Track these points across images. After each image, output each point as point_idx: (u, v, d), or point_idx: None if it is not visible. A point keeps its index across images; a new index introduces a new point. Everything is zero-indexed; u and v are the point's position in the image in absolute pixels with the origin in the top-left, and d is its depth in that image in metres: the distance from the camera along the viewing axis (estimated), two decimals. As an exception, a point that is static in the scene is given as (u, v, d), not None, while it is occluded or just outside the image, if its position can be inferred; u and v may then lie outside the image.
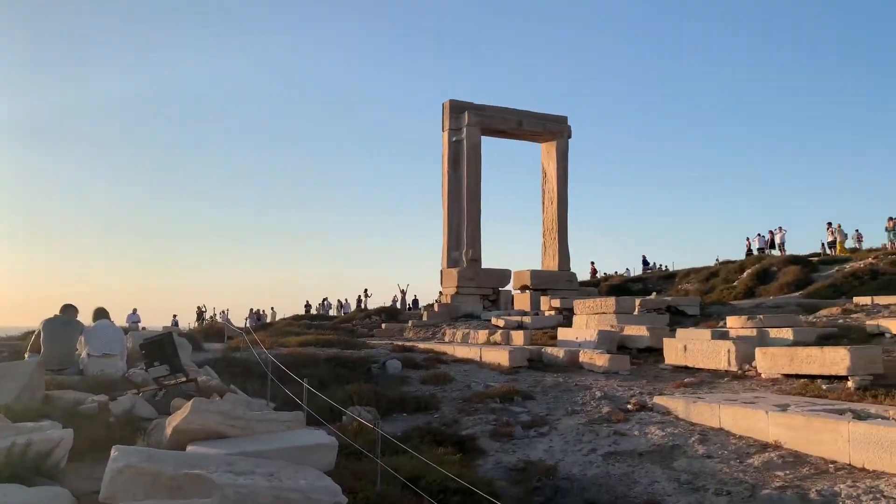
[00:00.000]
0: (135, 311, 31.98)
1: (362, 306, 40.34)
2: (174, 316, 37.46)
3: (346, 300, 43.43)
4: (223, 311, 41.34)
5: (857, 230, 32.74)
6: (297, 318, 34.77)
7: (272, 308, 43.88)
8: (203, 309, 41.97)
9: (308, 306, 44.46)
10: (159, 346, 6.72)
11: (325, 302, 44.87)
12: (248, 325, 31.89)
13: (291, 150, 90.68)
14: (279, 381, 10.46)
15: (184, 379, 6.74)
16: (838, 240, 31.76)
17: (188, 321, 39.27)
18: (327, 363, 13.63)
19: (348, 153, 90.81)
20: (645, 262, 41.84)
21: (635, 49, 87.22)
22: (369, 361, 14.43)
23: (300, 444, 4.99)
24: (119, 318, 30.40)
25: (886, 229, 30.35)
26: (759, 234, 34.79)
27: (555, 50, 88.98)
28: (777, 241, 34.04)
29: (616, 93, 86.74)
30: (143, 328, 26.99)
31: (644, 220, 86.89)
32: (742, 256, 34.64)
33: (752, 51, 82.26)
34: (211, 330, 22.18)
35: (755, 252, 33.89)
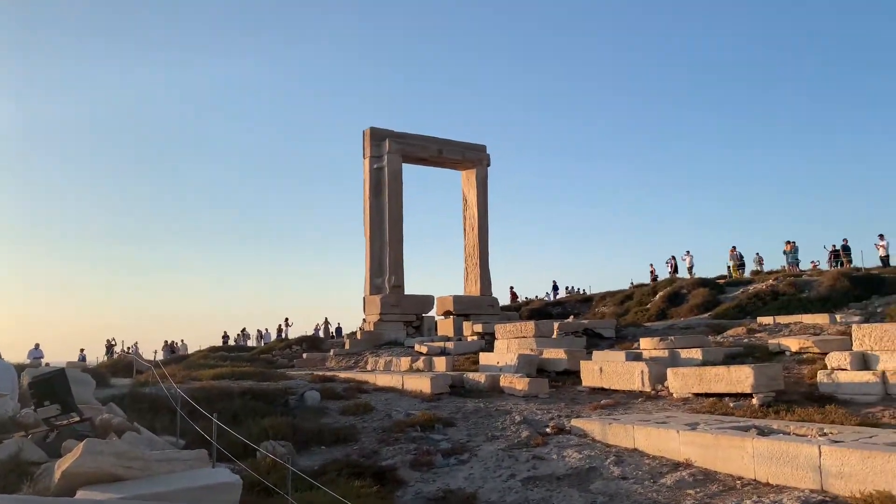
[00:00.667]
0: (37, 346, 30.04)
1: (283, 336, 39.38)
2: (81, 350, 35.42)
3: (266, 330, 42.31)
4: (132, 345, 39.47)
5: (757, 253, 34.44)
6: (213, 349, 33.59)
7: (182, 340, 42.40)
8: (112, 342, 39.93)
9: (226, 337, 43.07)
10: (49, 384, 6.23)
11: (244, 332, 43.56)
12: (160, 357, 30.49)
13: (205, 173, 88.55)
14: (190, 416, 9.96)
15: (77, 419, 6.26)
16: (733, 264, 33.38)
17: (97, 355, 37.21)
18: (242, 396, 13.10)
19: (265, 178, 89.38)
20: (555, 287, 42.76)
21: (554, 78, 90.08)
22: (287, 393, 13.98)
23: (202, 484, 4.70)
24: (20, 354, 28.49)
25: (784, 252, 32.05)
26: (672, 257, 36.06)
27: (477, 78, 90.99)
28: (686, 264, 35.36)
29: (534, 119, 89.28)
30: (47, 364, 25.31)
31: (561, 245, 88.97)
32: (648, 281, 35.85)
33: (657, 74, 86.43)
34: (119, 364, 21.03)
35: (658, 277, 35.05)
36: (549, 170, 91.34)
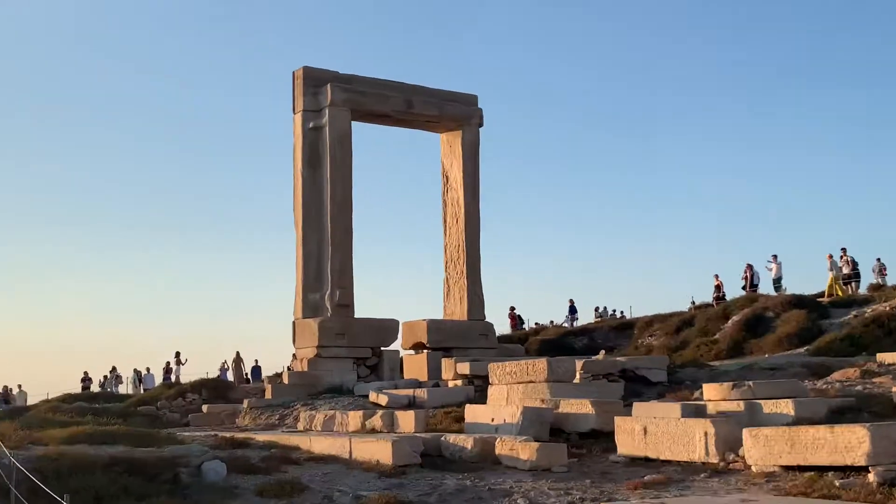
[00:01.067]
0: None
1: (172, 379, 39.14)
2: None
3: (148, 370, 41.99)
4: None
5: (878, 259, 34.75)
6: (67, 399, 33.29)
7: (19, 386, 41.98)
8: None
9: (87, 380, 42.77)
10: None
11: (114, 374, 43.25)
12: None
13: (54, 133, 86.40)
14: (30, 499, 9.89)
15: None
16: (839, 274, 33.73)
17: None
18: (109, 470, 12.99)
19: (146, 142, 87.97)
20: (572, 309, 43.13)
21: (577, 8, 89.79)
22: (176, 464, 13.88)
23: None
24: None
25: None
26: (748, 266, 36.32)
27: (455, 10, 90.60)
28: (772, 275, 35.62)
29: (544, 62, 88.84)
30: None
31: (585, 246, 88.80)
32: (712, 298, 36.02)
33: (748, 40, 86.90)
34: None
35: (726, 295, 35.20)
36: (567, 135, 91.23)
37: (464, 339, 29.42)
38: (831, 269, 33.86)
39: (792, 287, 35.58)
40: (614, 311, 45.21)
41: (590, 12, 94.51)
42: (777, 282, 35.15)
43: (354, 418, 19.77)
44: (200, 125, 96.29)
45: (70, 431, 17.09)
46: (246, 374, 39.46)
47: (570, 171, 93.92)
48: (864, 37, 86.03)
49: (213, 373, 40.23)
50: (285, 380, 27.93)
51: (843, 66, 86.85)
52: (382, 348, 29.09)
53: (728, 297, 35.64)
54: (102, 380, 43.37)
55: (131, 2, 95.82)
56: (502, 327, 41.36)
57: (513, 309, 43.43)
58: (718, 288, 37.96)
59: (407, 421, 18.22)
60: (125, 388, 42.40)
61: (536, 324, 43.46)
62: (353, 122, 29.75)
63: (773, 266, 35.55)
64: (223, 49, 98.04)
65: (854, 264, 33.62)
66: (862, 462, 10.60)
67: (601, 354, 25.59)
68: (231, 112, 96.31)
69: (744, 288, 35.67)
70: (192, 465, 14.06)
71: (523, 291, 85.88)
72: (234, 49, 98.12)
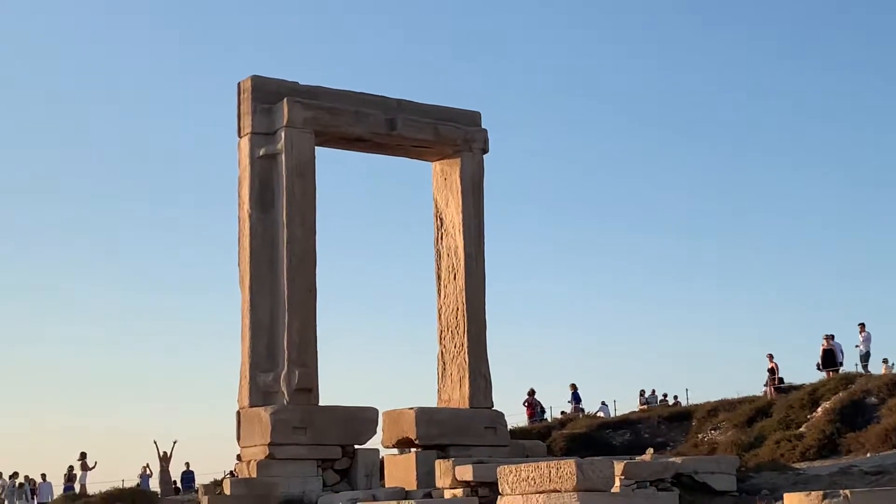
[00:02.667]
0: None
1: (76, 488, 38.91)
2: None
3: (44, 477, 41.71)
4: None
5: None
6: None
7: None
8: None
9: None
10: None
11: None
12: None
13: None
14: None
15: None
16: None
17: None
18: None
19: (52, 173, 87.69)
20: (576, 397, 43.11)
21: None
22: None
23: None
24: None
25: None
26: (828, 337, 36.51)
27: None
28: (861, 348, 35.76)
29: (556, 77, 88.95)
30: None
31: (627, 313, 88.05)
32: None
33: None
34: None
35: (784, 378, 35.48)
36: (598, 161, 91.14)
37: (465, 433, 29.20)
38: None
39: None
40: (665, 396, 45.22)
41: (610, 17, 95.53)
42: (864, 358, 35.30)
43: (318, 542, 19.53)
44: (120, 151, 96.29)
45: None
46: (174, 483, 39.28)
47: (603, 214, 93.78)
48: None
49: (131, 480, 40.00)
50: (227, 490, 27.64)
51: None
52: (356, 446, 28.84)
53: (786, 383, 36.01)
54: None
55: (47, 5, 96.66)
56: (517, 418, 41.34)
57: (531, 394, 43.39)
58: (773, 372, 38.43)
59: (388, 545, 18.00)
60: (11, 503, 42.03)
61: (563, 413, 43.38)
62: (317, 148, 29.80)
63: (861, 337, 35.78)
64: (156, 55, 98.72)
65: None
66: None
67: (648, 454, 25.51)
68: (159, 135, 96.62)
69: (819, 367, 35.90)
70: None
71: (543, 371, 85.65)
72: (169, 55, 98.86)
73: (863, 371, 34.25)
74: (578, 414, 41.84)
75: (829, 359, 35.85)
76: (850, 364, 35.88)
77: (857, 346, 36.30)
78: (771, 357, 39.07)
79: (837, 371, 34.76)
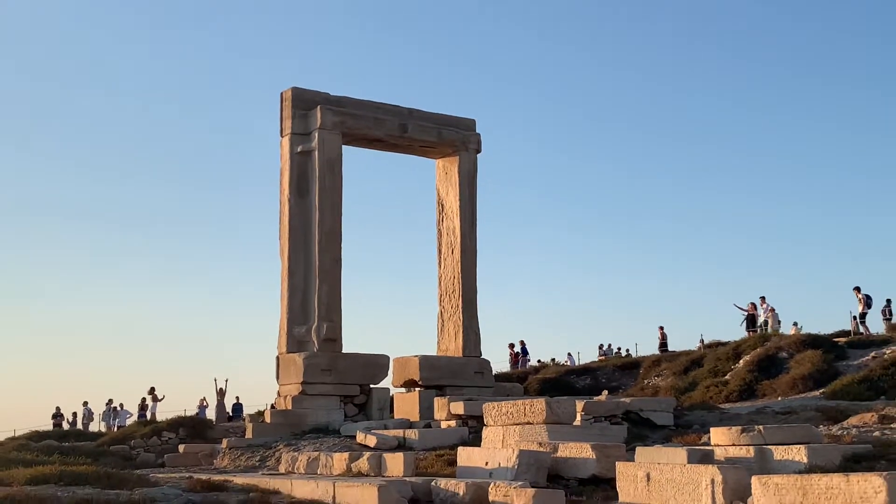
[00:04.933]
0: None
1: (147, 416, 38.96)
2: None
3: (121, 406, 41.82)
4: None
5: (888, 301, 34.81)
6: (34, 436, 33.08)
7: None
8: None
9: (58, 416, 42.58)
10: None
11: (86, 409, 43.05)
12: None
13: (23, 159, 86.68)
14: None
15: None
16: (770, 323, 34.75)
17: None
18: (75, 512, 12.92)
19: (120, 167, 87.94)
20: (524, 351, 43.11)
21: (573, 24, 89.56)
22: (148, 508, 13.80)
23: None
24: None
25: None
26: (752, 304, 36.54)
27: (452, 36, 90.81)
28: (760, 319, 35.84)
29: (538, 88, 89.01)
30: None
31: (590, 281, 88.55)
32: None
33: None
34: None
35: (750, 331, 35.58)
36: (570, 162, 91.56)
37: (458, 376, 29.33)
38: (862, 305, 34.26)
39: (808, 326, 35.77)
40: (619, 349, 45.25)
41: (595, 36, 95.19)
42: (764, 325, 35.38)
43: (339, 461, 19.63)
44: (184, 147, 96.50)
45: (36, 471, 17.00)
46: (227, 412, 39.34)
47: (573, 199, 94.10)
48: None
49: (192, 410, 40.09)
50: (267, 418, 27.82)
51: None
52: (371, 386, 28.99)
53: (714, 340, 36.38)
54: (72, 416, 43.13)
55: (116, 19, 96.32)
56: (501, 365, 41.42)
57: (514, 347, 43.41)
58: (663, 340, 40.17)
59: (395, 464, 18.10)
60: (97, 426, 42.15)
61: (539, 361, 43.45)
62: (343, 147, 29.81)
63: (762, 308, 35.81)
64: (210, 68, 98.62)
65: (868, 301, 33.70)
66: (879, 513, 10.52)
67: (604, 395, 25.62)
68: (217, 135, 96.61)
69: (745, 326, 35.99)
70: (164, 509, 13.96)
71: (523, 327, 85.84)
72: (221, 68, 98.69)
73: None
74: (523, 367, 41.57)
75: (752, 322, 35.95)
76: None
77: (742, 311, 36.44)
78: (662, 329, 41.21)
79: (756, 332, 34.87)
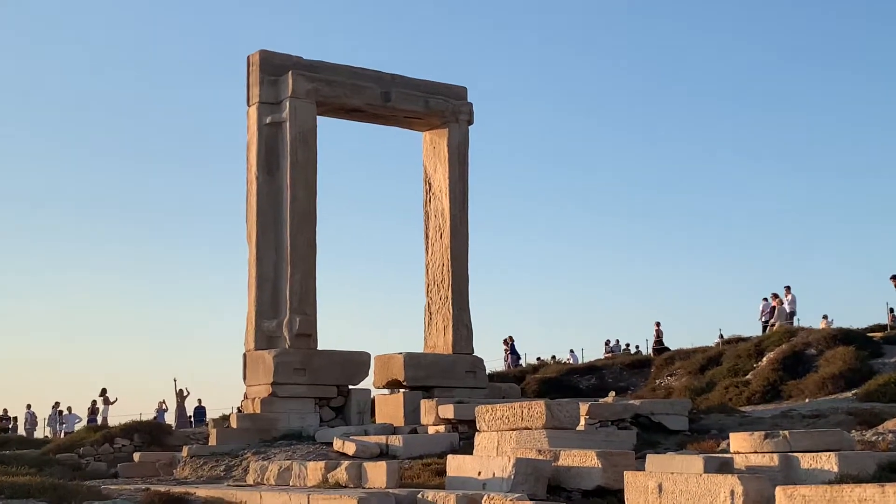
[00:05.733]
0: None
1: (98, 421, 38.97)
2: None
3: (69, 409, 41.83)
4: None
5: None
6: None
7: None
8: None
9: (5, 419, 42.72)
10: None
11: (29, 412, 43.08)
12: None
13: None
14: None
15: None
16: (771, 321, 35.17)
17: None
18: (17, 529, 12.93)
19: (71, 139, 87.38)
20: (512, 351, 43.17)
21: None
22: (99, 524, 13.83)
23: None
24: None
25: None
26: (766, 298, 36.72)
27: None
28: (787, 308, 35.97)
29: (538, 52, 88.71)
30: None
31: (596, 270, 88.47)
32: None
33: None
34: None
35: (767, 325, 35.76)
36: (575, 134, 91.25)
37: (448, 376, 29.35)
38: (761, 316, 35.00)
39: (839, 319, 35.91)
40: (627, 345, 45.39)
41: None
42: (790, 316, 35.54)
43: (314, 470, 19.62)
44: (139, 119, 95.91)
45: (-28, 483, 17.01)
46: (188, 416, 39.41)
47: (578, 178, 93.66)
48: None
49: (148, 414, 40.16)
50: (234, 423, 27.78)
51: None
52: (350, 386, 28.97)
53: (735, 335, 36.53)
54: (13, 421, 43.16)
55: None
56: (495, 363, 41.50)
57: (509, 341, 43.49)
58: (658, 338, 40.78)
59: (377, 474, 18.09)
60: (41, 431, 42.18)
61: (539, 359, 43.51)
62: (319, 118, 29.73)
63: (787, 299, 35.96)
64: (169, 29, 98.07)
65: None
66: (917, 528, 10.58)
67: (611, 396, 25.66)
68: (176, 104, 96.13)
69: (763, 320, 36.18)
70: (117, 525, 13.98)
71: (520, 321, 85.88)
72: (182, 29, 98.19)
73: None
74: (511, 367, 41.77)
75: (772, 314, 36.14)
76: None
77: (783, 306, 36.58)
78: (658, 325, 41.74)
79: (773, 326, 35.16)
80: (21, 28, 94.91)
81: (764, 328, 35.66)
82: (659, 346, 40.35)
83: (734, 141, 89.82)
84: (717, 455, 15.60)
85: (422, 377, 29.00)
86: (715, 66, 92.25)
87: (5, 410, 43.31)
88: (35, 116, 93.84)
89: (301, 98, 29.11)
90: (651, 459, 15.48)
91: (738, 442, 15.49)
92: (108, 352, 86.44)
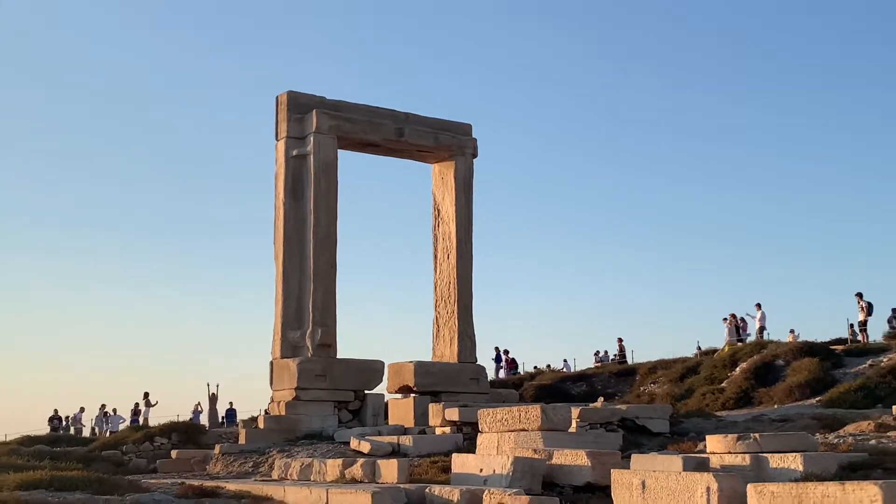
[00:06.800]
0: None
1: (140, 421, 38.97)
2: None
3: (115, 411, 41.83)
4: None
5: (894, 310, 34.85)
6: (25, 441, 33.11)
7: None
8: None
9: (56, 419, 42.73)
10: None
11: (79, 414, 43.09)
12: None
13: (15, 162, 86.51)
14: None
15: None
16: (728, 342, 35.18)
17: None
18: (66, 518, 12.91)
19: (114, 170, 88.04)
20: (498, 359, 43.04)
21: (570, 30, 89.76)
22: (139, 514, 13.81)
23: None
24: None
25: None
26: (731, 316, 36.66)
27: (449, 39, 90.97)
28: (756, 324, 35.94)
29: (534, 94, 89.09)
30: None
31: (586, 287, 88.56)
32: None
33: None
34: None
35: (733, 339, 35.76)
36: (566, 168, 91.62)
37: (453, 383, 29.31)
38: (729, 335, 35.09)
39: (805, 334, 35.89)
40: (615, 356, 45.31)
41: (588, 41, 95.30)
42: (760, 332, 35.57)
43: (333, 467, 19.62)
44: (179, 151, 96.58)
45: (26, 477, 16.97)
46: (220, 418, 39.37)
47: (570, 205, 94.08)
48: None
49: (185, 416, 40.18)
50: (261, 424, 27.79)
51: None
52: (366, 391, 28.98)
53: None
54: (65, 421, 43.21)
55: (112, 19, 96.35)
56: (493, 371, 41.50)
57: (507, 353, 43.50)
58: (621, 352, 41.37)
59: (389, 470, 18.08)
60: (88, 431, 42.22)
61: (536, 368, 43.57)
62: (339, 151, 29.79)
63: (757, 315, 35.99)
64: (206, 71, 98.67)
65: (869, 309, 33.77)
66: (874, 523, 10.56)
67: (599, 402, 25.63)
68: (212, 138, 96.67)
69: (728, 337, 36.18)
70: (155, 514, 13.96)
71: (519, 333, 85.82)
72: (218, 71, 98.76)
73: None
74: (497, 374, 41.67)
75: (737, 331, 36.44)
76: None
77: (752, 318, 36.67)
78: (620, 340, 42.71)
79: (743, 341, 35.30)
80: (69, 59, 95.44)
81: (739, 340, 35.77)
82: (622, 360, 41.12)
83: (717, 160, 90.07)
84: (694, 455, 15.57)
85: (430, 383, 28.96)
86: (705, 90, 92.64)
87: (56, 411, 43.38)
88: (93, 149, 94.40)
89: (324, 133, 29.21)
90: (635, 459, 15.47)
91: (714, 443, 15.45)
92: (150, 360, 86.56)
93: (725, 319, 36.70)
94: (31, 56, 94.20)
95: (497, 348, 42.66)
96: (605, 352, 45.56)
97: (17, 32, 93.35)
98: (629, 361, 41.24)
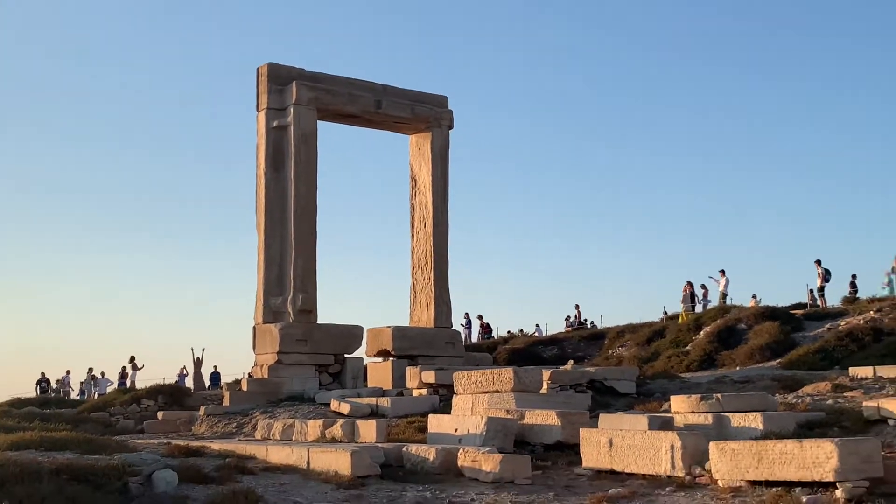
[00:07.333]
0: None
1: (127, 384, 38.89)
2: None
3: (102, 374, 41.67)
4: None
5: (853, 276, 35.03)
6: (16, 403, 32.96)
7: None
8: None
9: (44, 382, 42.51)
10: None
11: (66, 377, 42.88)
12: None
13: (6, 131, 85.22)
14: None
15: None
16: (683, 308, 35.49)
17: None
18: (55, 477, 12.80)
19: (100, 141, 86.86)
20: (468, 324, 42.84)
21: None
22: (126, 473, 13.70)
23: None
24: None
25: (893, 272, 32.36)
26: (688, 283, 36.81)
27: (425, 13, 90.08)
28: (720, 288, 36.08)
29: (510, 65, 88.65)
30: None
31: (558, 254, 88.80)
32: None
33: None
34: None
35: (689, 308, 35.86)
36: (540, 139, 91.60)
37: (430, 347, 29.43)
38: (683, 301, 35.38)
39: (766, 298, 36.09)
40: (585, 320, 45.49)
41: (572, 13, 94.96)
42: (724, 297, 35.71)
43: (314, 427, 19.67)
44: (162, 122, 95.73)
45: (16, 437, 16.88)
46: (205, 382, 39.31)
47: (543, 175, 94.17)
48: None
49: (171, 379, 40.08)
50: (244, 387, 27.81)
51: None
52: (346, 355, 29.04)
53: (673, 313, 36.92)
54: (55, 384, 43.03)
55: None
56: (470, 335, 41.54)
57: (482, 318, 43.57)
58: (578, 318, 41.78)
59: (368, 430, 18.16)
60: (77, 394, 42.09)
61: (509, 332, 43.66)
62: (319, 122, 29.65)
63: (721, 280, 36.10)
64: (187, 44, 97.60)
65: (826, 275, 33.94)
66: (830, 478, 10.67)
67: (569, 364, 25.78)
68: (193, 110, 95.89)
69: (683, 305, 36.30)
70: (142, 473, 13.87)
71: (494, 299, 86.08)
72: (199, 44, 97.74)
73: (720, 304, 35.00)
74: (468, 339, 41.61)
75: (692, 299, 36.56)
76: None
77: (716, 282, 36.69)
78: (577, 307, 42.95)
79: (694, 309, 35.55)
80: (49, 31, 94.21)
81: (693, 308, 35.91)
82: (580, 325, 41.57)
83: (684, 139, 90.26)
84: (660, 415, 15.74)
85: (407, 347, 29.05)
86: (664, 71, 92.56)
87: (43, 374, 43.18)
88: (77, 119, 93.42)
89: (303, 105, 29.01)
90: (603, 418, 15.60)
91: (678, 403, 15.57)
92: (137, 324, 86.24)
93: (716, 280, 36.81)
94: (9, 22, 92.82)
95: (467, 314, 42.57)
96: (576, 317, 45.76)
97: None
98: (598, 326, 41.40)
